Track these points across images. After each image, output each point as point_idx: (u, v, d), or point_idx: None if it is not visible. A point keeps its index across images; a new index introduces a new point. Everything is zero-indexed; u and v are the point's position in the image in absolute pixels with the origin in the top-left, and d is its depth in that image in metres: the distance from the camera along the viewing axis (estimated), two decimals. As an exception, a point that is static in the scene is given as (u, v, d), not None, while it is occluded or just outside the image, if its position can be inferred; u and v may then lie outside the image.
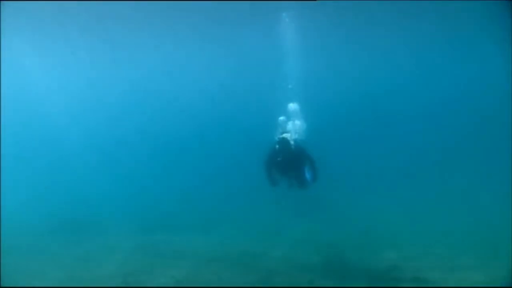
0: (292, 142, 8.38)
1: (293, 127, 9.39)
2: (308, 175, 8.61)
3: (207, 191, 13.34)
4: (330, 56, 14.94)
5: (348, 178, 12.61)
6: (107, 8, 11.26)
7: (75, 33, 12.80)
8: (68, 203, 11.97)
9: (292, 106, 10.02)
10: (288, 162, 8.33)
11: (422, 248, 7.74)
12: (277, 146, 8.31)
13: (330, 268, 6.80)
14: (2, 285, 6.19)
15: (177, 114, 18.63)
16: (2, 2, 10.09)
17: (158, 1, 10.81)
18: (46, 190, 13.19)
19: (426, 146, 16.47)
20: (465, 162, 14.49)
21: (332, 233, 8.96)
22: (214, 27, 12.78)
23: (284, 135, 8.39)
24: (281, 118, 9.42)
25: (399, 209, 10.82)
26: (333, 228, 9.31)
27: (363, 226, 9.38)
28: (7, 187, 11.73)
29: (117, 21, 12.10)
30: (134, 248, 8.15)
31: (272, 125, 8.95)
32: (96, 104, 17.99)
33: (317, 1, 10.90)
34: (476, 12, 11.62)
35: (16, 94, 15.69)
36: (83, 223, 10.23)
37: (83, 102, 17.70)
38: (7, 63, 13.29)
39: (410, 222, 9.58)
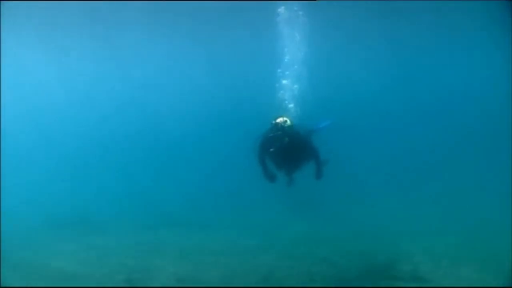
0: (288, 129, 6.69)
1: (291, 111, 7.95)
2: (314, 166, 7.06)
3: (206, 188, 13.35)
4: (330, 54, 14.92)
5: (347, 175, 12.62)
6: (105, 7, 11.31)
7: (75, 32, 12.83)
8: (69, 201, 11.96)
9: (288, 85, 9.02)
10: (285, 154, 6.82)
11: (421, 247, 7.74)
12: (270, 134, 6.68)
13: (330, 267, 6.83)
14: (2, 285, 6.22)
15: (175, 112, 18.59)
16: (2, 2, 10.11)
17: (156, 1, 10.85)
18: (47, 187, 13.19)
19: (426, 145, 16.44)
20: (466, 162, 14.46)
21: (331, 231, 8.94)
22: (211, 26, 12.79)
23: (279, 119, 6.72)
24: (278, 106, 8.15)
25: (398, 208, 10.82)
26: (332, 226, 9.30)
27: (362, 224, 9.38)
28: (7, 185, 11.73)
29: (115, 20, 12.14)
30: (135, 246, 8.17)
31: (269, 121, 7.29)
32: (95, 102, 17.95)
33: (316, 1, 10.87)
34: (476, 12, 11.59)
35: (16, 93, 15.69)
36: (84, 220, 10.24)
37: (83, 99, 17.70)
38: (7, 62, 13.29)
39: (410, 220, 9.58)
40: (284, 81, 9.86)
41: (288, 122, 6.75)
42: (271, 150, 6.71)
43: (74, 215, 10.51)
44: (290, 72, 10.20)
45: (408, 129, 17.68)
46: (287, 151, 6.74)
